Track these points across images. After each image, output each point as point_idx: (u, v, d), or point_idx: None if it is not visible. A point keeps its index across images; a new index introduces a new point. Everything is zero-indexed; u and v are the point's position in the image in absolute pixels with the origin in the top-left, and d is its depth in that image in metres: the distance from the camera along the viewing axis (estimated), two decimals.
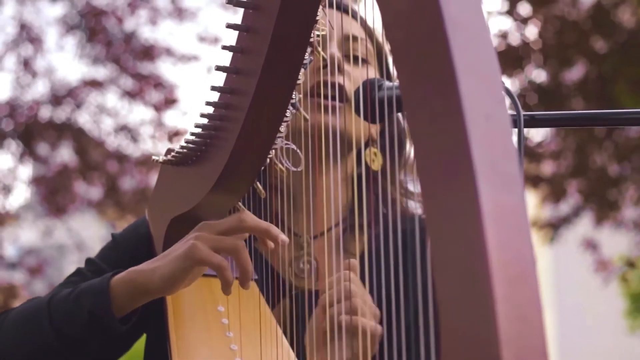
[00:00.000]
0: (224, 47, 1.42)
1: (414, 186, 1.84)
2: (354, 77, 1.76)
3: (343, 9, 1.78)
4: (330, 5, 1.69)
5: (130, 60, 9.16)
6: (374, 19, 1.54)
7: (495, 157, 0.80)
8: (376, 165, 1.74)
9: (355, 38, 1.78)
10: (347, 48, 1.78)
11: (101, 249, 1.89)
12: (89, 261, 1.86)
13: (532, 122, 1.56)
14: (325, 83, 1.70)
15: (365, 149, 1.77)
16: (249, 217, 1.54)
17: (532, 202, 10.92)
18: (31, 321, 1.66)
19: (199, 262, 1.52)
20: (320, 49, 1.46)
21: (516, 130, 1.45)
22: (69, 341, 1.61)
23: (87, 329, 1.59)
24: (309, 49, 1.39)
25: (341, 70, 1.74)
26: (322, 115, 1.69)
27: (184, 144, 1.60)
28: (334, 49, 1.73)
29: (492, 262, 0.77)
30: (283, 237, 1.53)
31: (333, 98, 1.71)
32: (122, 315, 1.61)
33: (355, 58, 1.78)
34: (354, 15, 1.82)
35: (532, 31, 8.78)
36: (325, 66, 1.71)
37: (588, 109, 8.23)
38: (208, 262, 1.51)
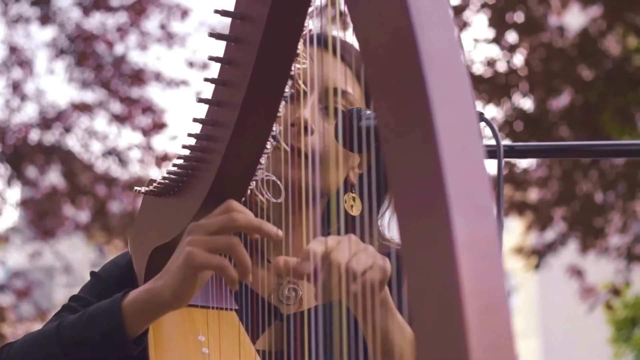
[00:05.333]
0: (206, 80, 1.43)
1: (392, 231, 1.84)
2: (330, 131, 1.75)
3: (326, 47, 1.76)
4: (311, 43, 1.69)
5: (120, 84, 9.18)
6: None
7: (470, 188, 0.82)
8: (355, 211, 1.75)
9: (336, 91, 1.77)
10: (328, 100, 1.77)
11: (83, 287, 1.85)
12: (75, 297, 1.82)
13: (512, 153, 1.57)
14: (292, 146, 1.69)
15: (345, 193, 1.77)
16: (240, 216, 1.50)
17: (518, 229, 10.94)
18: (39, 348, 1.64)
19: (200, 268, 1.50)
20: (301, 81, 1.47)
21: (495, 160, 1.47)
22: None
23: (100, 352, 1.58)
24: (289, 82, 1.41)
25: (311, 131, 1.73)
26: (289, 168, 1.69)
27: (166, 175, 1.61)
28: (306, 112, 1.71)
29: (464, 291, 0.78)
30: (279, 232, 1.51)
31: (299, 156, 1.71)
32: (134, 337, 1.59)
33: (336, 111, 1.76)
34: (342, 54, 1.79)
35: (519, 59, 8.82)
36: (293, 124, 1.71)
37: (574, 137, 8.31)
38: (208, 265, 1.49)
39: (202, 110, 1.49)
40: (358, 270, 1.46)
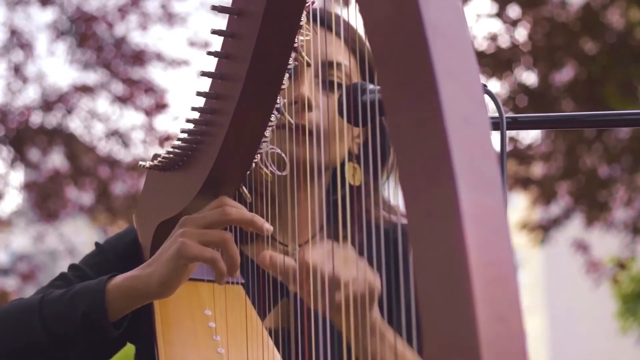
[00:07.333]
0: (209, 53, 1.43)
1: (396, 199, 1.84)
2: (330, 104, 1.77)
3: (325, 25, 1.77)
4: (313, 20, 1.70)
5: (121, 65, 9.16)
6: (359, 24, 1.53)
7: (475, 159, 0.81)
8: (357, 180, 1.75)
9: (332, 64, 1.78)
10: (327, 74, 1.78)
11: (85, 256, 1.88)
12: (73, 267, 1.85)
13: (515, 125, 1.57)
14: (293, 123, 1.71)
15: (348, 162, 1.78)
16: (233, 210, 1.53)
17: (523, 204, 10.95)
18: (21, 319, 1.66)
19: (192, 259, 1.52)
20: (304, 54, 1.47)
21: (498, 132, 1.46)
22: (59, 340, 1.61)
23: (79, 330, 1.60)
24: (293, 54, 1.40)
25: (310, 107, 1.75)
26: (293, 145, 1.71)
27: (171, 149, 1.61)
28: (304, 88, 1.74)
29: (471, 263, 0.78)
30: (268, 226, 1.53)
31: (304, 133, 1.73)
32: (115, 320, 1.61)
33: (332, 84, 1.78)
34: (337, 30, 1.81)
35: (521, 33, 8.81)
36: (295, 102, 1.72)
37: (577, 111, 8.28)
38: (200, 257, 1.51)
39: (205, 86, 1.49)
40: (341, 280, 1.47)
